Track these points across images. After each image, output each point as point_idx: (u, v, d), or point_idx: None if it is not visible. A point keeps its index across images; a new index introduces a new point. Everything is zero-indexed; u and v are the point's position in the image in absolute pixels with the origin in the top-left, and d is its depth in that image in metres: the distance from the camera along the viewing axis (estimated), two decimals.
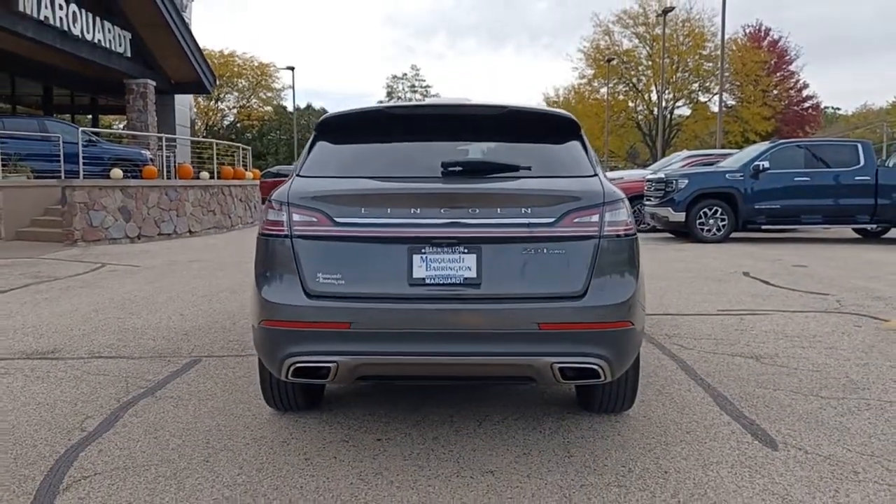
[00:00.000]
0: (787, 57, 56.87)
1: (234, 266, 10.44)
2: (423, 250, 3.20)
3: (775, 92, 55.81)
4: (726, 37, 54.99)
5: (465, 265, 3.19)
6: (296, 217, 3.29)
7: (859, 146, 13.73)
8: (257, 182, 19.70)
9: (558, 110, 3.75)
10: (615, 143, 54.99)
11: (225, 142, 19.75)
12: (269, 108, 58.32)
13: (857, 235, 15.32)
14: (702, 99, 56.25)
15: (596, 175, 3.47)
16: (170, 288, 8.39)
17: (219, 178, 16.69)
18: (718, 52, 55.03)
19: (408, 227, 3.21)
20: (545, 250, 3.21)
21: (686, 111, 56.97)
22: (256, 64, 53.86)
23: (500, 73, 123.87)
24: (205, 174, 15.97)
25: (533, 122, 3.70)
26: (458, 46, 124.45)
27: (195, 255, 11.94)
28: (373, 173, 3.46)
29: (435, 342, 3.17)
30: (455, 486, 3.10)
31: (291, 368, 3.26)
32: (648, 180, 14.70)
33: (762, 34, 57.16)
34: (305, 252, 3.26)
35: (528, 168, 3.41)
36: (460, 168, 3.37)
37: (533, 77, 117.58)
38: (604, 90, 57.13)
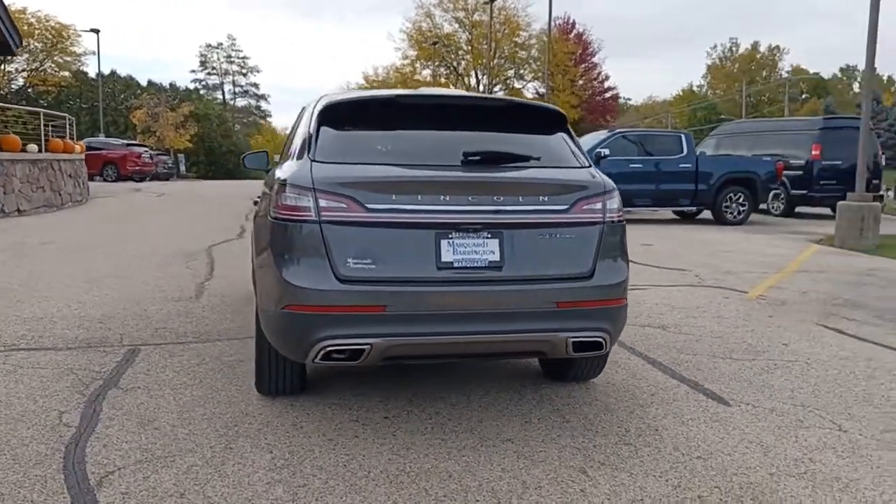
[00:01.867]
0: (591, 49, 61.04)
1: (93, 248, 9.74)
2: (450, 235, 3.38)
3: (581, 82, 59.80)
4: (538, 27, 57.93)
5: (488, 249, 3.42)
6: (323, 202, 3.34)
7: (682, 137, 15.31)
8: (83, 156, 18.17)
9: (549, 105, 4.05)
10: None
11: (53, 112, 17.98)
12: (66, 74, 53.26)
13: (675, 216, 17.08)
14: (517, 85, 58.93)
15: (590, 166, 3.82)
16: (41, 273, 7.72)
17: (47, 150, 15.23)
18: (532, 42, 58.02)
19: (436, 214, 3.38)
20: (559, 235, 3.51)
21: (502, 96, 59.47)
22: (53, 24, 48.95)
23: (317, 48, 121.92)
24: (33, 146, 14.50)
25: (529, 115, 3.97)
26: (272, 19, 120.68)
27: (41, 236, 10.94)
28: (390, 160, 3.57)
29: (463, 322, 3.38)
30: (486, 454, 3.34)
31: (322, 352, 3.32)
32: None
33: (570, 27, 60.89)
34: (335, 237, 3.32)
35: (538, 158, 3.69)
36: (479, 157, 3.57)
37: (347, 53, 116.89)
38: (426, 72, 58.18)
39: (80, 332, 5.34)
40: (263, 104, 75.67)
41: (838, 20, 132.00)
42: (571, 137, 3.95)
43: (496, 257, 3.42)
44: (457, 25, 58.71)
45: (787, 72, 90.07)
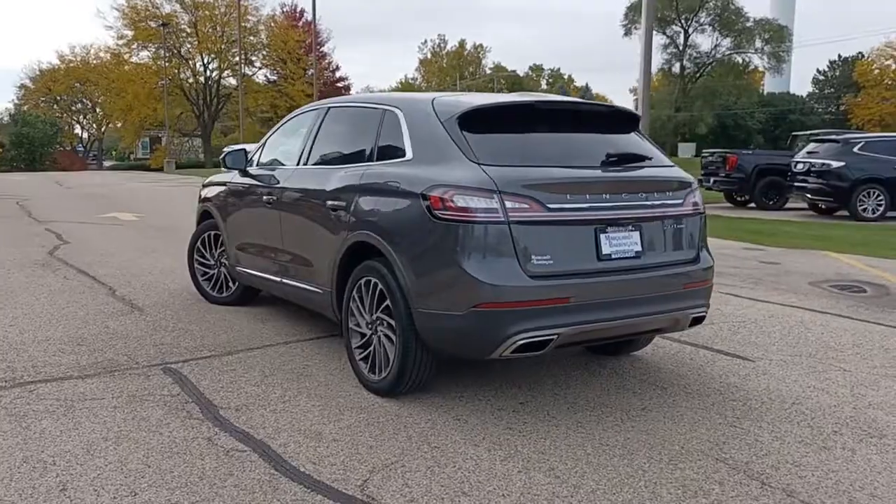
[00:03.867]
0: (321, 38, 61.25)
1: None
2: (606, 230, 3.77)
3: (311, 71, 59.81)
4: (264, 14, 56.71)
5: (633, 241, 3.86)
6: (509, 204, 3.53)
7: None
8: None
9: (630, 108, 4.49)
10: (163, 111, 52.60)
11: None
12: None
13: None
14: (247, 72, 57.13)
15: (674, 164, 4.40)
16: None
17: None
18: (260, 27, 56.65)
19: (598, 211, 3.74)
20: (676, 225, 4.06)
21: (233, 82, 57.55)
22: None
23: None
24: None
25: (622, 117, 4.38)
26: None
27: None
28: (546, 162, 3.82)
29: (623, 307, 3.79)
30: (651, 423, 3.79)
31: (514, 346, 3.53)
32: None
33: (298, 14, 60.53)
34: (521, 236, 3.54)
35: (650, 158, 4.17)
36: (616, 159, 3.97)
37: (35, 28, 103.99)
38: (144, 53, 54.20)
39: (73, 356, 4.71)
40: None
41: (527, 24, 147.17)
42: (644, 136, 4.48)
43: (638, 248, 3.87)
44: (177, 6, 55.31)
45: (491, 69, 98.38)
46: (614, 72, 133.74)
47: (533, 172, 3.69)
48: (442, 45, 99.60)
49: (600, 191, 3.78)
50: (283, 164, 5.38)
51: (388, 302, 3.92)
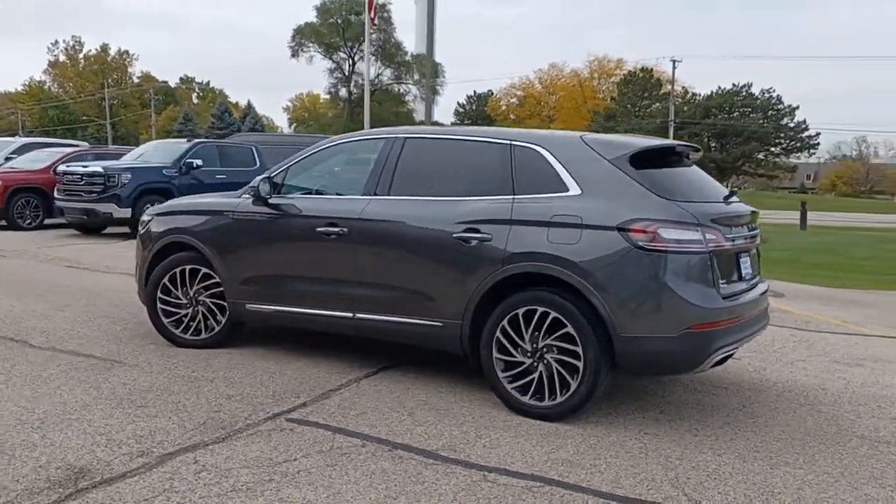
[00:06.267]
0: None
1: None
2: (742, 256, 4.44)
3: None
4: None
5: (748, 265, 4.58)
6: (708, 235, 4.01)
7: (254, 149, 15.81)
8: None
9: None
10: None
11: None
12: None
13: None
14: None
15: None
16: None
17: None
18: None
19: (740, 240, 4.40)
20: (755, 251, 4.85)
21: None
22: None
23: None
24: None
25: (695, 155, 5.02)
26: None
27: None
28: (697, 197, 4.31)
29: (753, 323, 4.48)
30: (763, 417, 4.52)
31: (714, 361, 4.05)
32: (69, 173, 13.37)
33: None
34: (716, 263, 4.05)
35: (735, 194, 4.89)
36: (727, 195, 4.63)
37: None
38: None
39: (161, 420, 3.96)
40: None
41: (173, 34, 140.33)
42: None
43: (751, 271, 4.60)
44: None
45: (139, 77, 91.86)
46: (272, 90, 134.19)
47: (709, 207, 4.23)
48: (78, 47, 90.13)
49: (738, 223, 4.46)
50: (336, 194, 5.07)
51: (567, 329, 4.09)
